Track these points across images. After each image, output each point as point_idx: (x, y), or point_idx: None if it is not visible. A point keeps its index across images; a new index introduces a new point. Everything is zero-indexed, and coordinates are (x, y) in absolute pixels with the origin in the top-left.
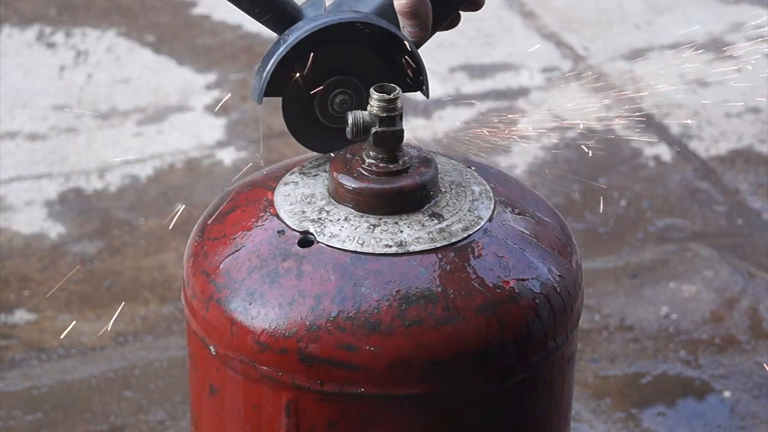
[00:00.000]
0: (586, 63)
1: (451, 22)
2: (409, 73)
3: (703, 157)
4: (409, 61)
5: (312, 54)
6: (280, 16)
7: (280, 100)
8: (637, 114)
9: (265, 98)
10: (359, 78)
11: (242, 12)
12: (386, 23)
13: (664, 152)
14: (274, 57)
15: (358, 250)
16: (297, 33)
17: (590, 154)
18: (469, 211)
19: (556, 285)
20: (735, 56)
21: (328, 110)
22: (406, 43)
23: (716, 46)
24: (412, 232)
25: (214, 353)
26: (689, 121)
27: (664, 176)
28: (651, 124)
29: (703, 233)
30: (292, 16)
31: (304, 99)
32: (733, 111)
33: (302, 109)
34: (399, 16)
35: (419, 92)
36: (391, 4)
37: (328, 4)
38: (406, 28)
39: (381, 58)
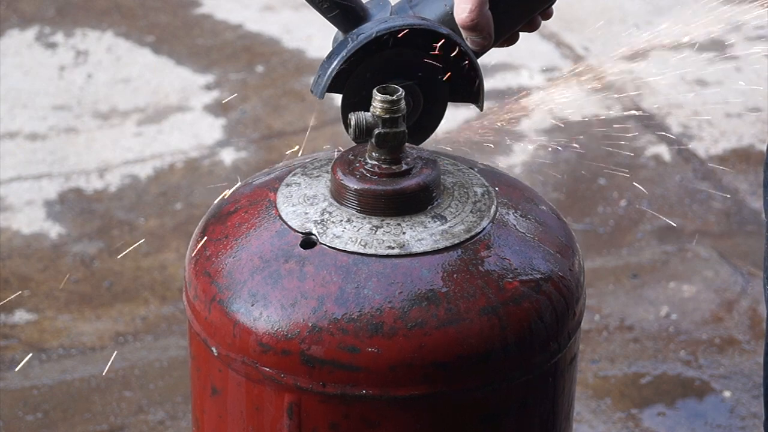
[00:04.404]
0: (586, 63)
1: (509, 38)
2: (468, 83)
3: (703, 157)
4: (469, 71)
5: (376, 55)
6: (347, 14)
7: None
8: (637, 114)
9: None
10: (418, 83)
11: (311, 6)
12: (450, 32)
13: (664, 152)
14: (341, 54)
15: (361, 251)
16: (366, 33)
17: (590, 154)
18: (471, 212)
19: (558, 286)
20: (735, 56)
21: None
22: (468, 53)
23: (716, 46)
24: (415, 234)
25: (216, 354)
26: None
27: (664, 176)
28: (651, 124)
29: (703, 233)
30: (359, 15)
31: (363, 98)
32: (733, 111)
33: (360, 108)
34: (461, 28)
35: (473, 104)
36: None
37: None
38: (468, 39)
39: (441, 66)
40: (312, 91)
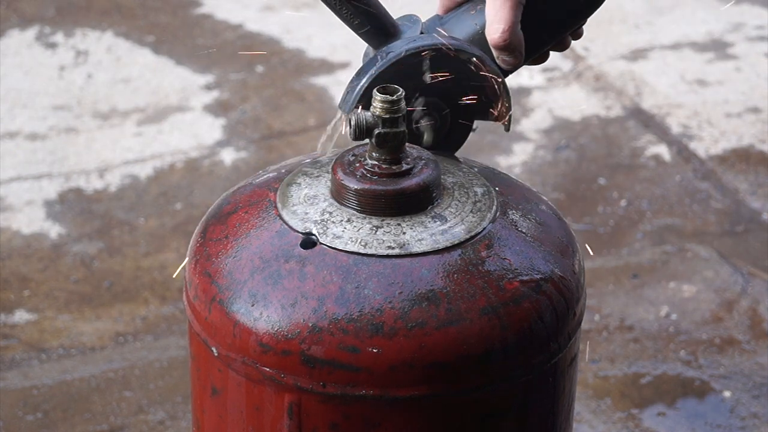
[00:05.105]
0: (586, 63)
1: (539, 57)
2: (495, 103)
3: (703, 157)
4: (496, 91)
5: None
6: (378, 31)
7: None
8: (637, 114)
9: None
10: (445, 101)
11: (341, 21)
12: (480, 51)
13: (664, 152)
14: (370, 72)
15: (361, 251)
16: (395, 51)
17: (590, 154)
18: (471, 212)
19: (558, 287)
20: (735, 56)
21: (411, 128)
22: (496, 75)
23: (716, 46)
24: (415, 234)
25: (216, 354)
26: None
27: (664, 176)
28: (651, 124)
29: (703, 233)
30: (390, 32)
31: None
32: (733, 111)
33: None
34: (492, 49)
35: (500, 124)
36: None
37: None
38: (499, 58)
39: (469, 85)
40: (340, 108)
